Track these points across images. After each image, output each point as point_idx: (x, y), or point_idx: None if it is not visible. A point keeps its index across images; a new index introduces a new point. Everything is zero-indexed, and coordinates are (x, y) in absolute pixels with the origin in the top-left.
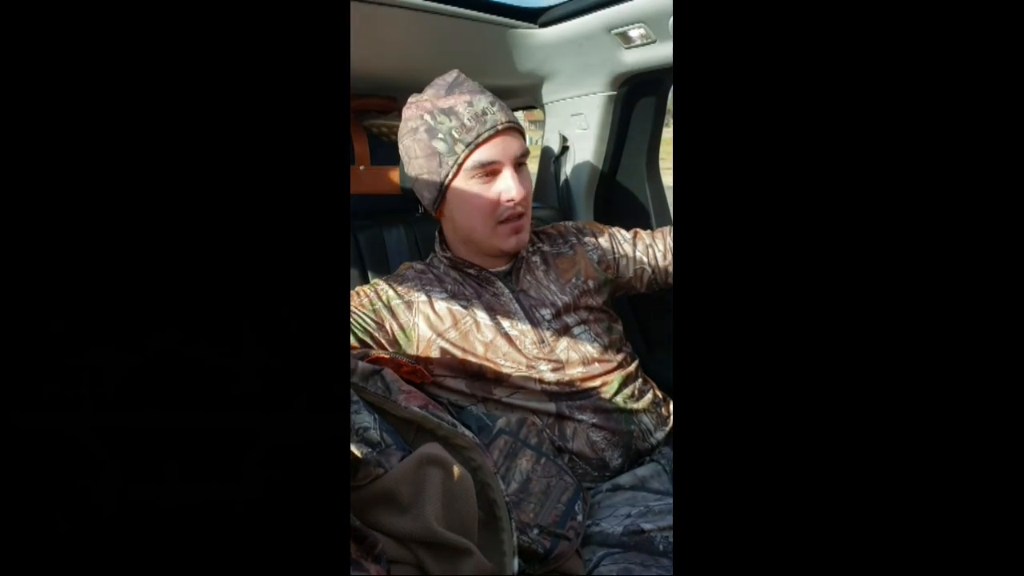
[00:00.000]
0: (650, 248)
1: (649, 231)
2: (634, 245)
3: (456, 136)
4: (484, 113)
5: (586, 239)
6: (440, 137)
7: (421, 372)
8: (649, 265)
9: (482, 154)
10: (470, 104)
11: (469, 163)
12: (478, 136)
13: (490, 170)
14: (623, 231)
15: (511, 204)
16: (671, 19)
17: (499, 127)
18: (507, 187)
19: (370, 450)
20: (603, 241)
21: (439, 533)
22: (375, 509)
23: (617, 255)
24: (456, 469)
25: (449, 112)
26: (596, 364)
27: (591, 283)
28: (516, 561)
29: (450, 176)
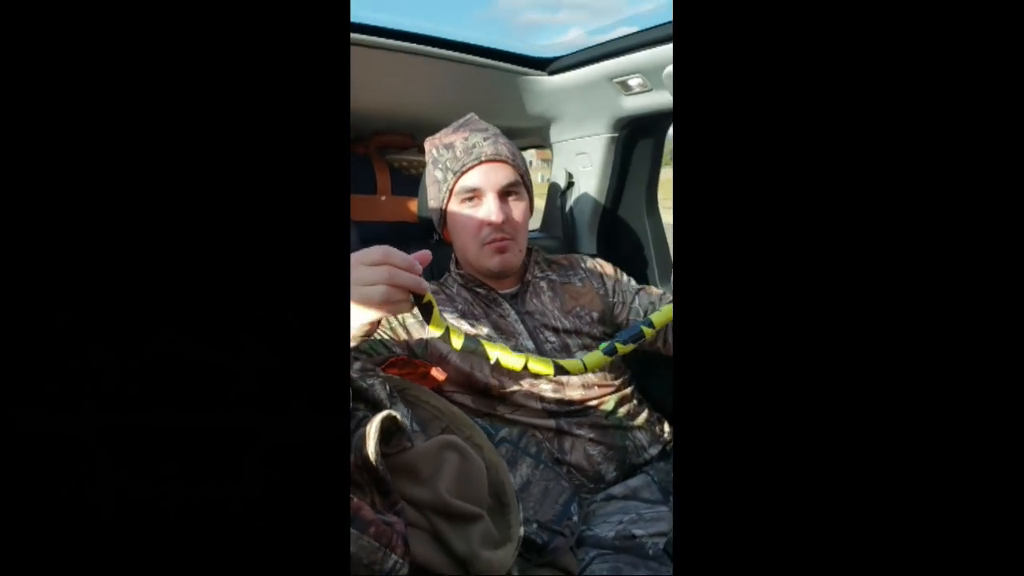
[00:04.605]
0: (651, 306)
1: (661, 291)
2: (635, 297)
3: (448, 166)
4: (474, 146)
5: (595, 275)
6: (439, 167)
7: (437, 372)
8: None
9: (466, 181)
10: (466, 139)
11: (457, 188)
12: (463, 165)
13: (474, 195)
14: (633, 281)
15: (492, 227)
16: (665, 70)
17: (483, 158)
18: (488, 212)
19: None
20: (608, 281)
21: (450, 503)
22: (397, 477)
23: (614, 300)
24: (472, 455)
25: (449, 147)
26: (596, 387)
27: (594, 315)
28: (522, 529)
29: (445, 200)
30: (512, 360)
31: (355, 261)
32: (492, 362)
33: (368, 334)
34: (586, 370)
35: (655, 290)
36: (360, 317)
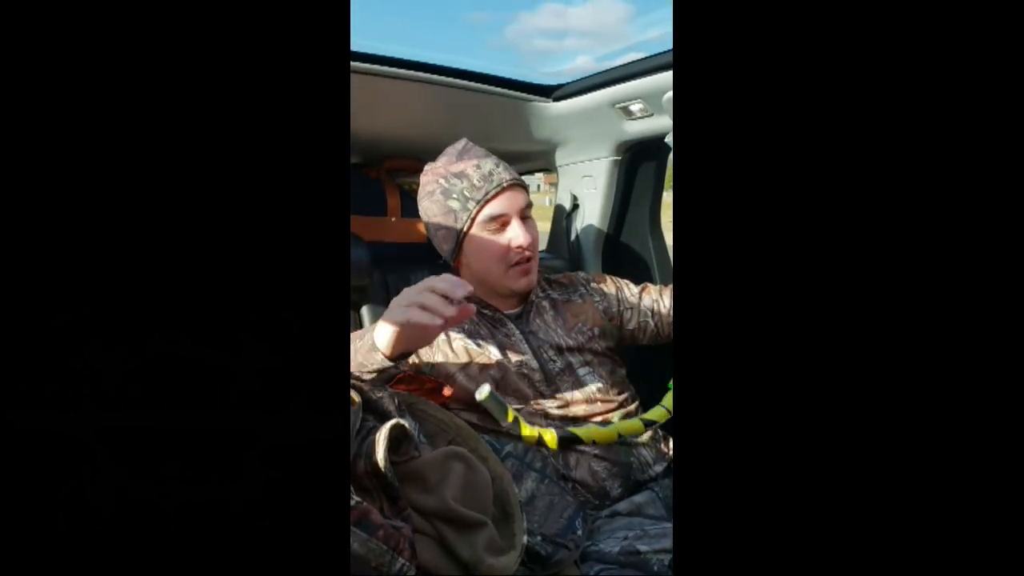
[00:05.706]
0: (656, 302)
1: (659, 286)
2: (640, 298)
3: (468, 195)
4: (491, 174)
5: (595, 289)
6: (454, 197)
7: (445, 390)
8: (653, 318)
9: (492, 208)
10: (478, 167)
11: (481, 216)
12: (487, 193)
13: (500, 222)
14: (632, 285)
15: (520, 250)
16: (665, 96)
17: (505, 184)
18: (515, 235)
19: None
20: (610, 292)
21: (455, 509)
22: (405, 485)
23: (622, 307)
24: (477, 466)
25: (460, 175)
26: (599, 403)
27: (596, 330)
28: (525, 537)
29: (465, 229)
30: (602, 431)
31: (406, 290)
32: (588, 442)
33: (403, 356)
34: (670, 414)
35: (652, 287)
36: (388, 334)
